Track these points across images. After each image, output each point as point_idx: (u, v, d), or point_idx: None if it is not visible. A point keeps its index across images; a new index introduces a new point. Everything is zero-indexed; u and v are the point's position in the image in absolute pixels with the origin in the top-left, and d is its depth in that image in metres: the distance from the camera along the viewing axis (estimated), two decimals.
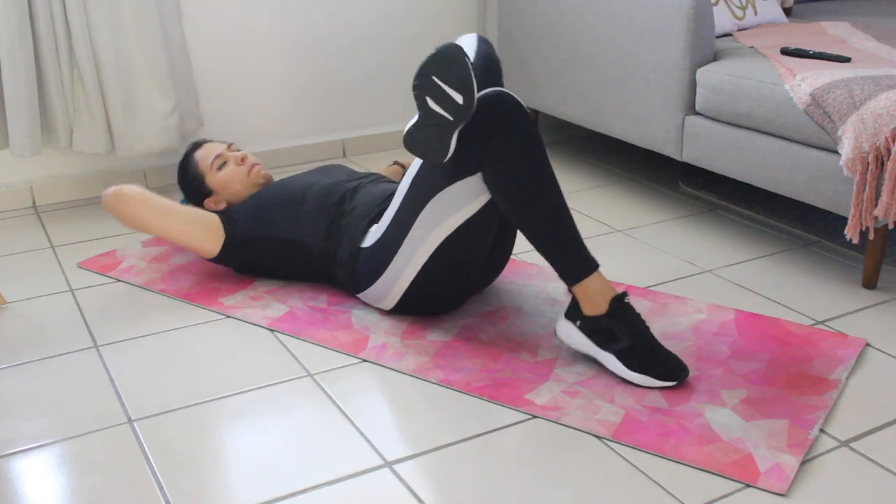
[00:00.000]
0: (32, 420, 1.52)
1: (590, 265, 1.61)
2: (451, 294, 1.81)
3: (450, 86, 1.53)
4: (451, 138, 1.56)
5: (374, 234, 1.79)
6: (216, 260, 1.99)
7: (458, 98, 1.53)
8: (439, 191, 1.65)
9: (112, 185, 1.95)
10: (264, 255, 1.97)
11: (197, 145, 2.15)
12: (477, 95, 1.59)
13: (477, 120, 1.60)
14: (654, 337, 1.61)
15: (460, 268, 1.75)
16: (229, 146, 2.14)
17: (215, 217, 1.98)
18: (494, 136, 1.59)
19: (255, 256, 1.98)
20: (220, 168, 2.08)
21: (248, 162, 2.10)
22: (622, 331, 1.59)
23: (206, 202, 2.09)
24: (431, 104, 1.55)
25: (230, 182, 2.07)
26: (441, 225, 1.67)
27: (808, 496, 1.31)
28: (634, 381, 1.58)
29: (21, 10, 2.25)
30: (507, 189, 1.60)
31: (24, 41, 2.27)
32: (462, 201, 1.64)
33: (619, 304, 1.60)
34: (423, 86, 1.55)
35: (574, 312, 1.64)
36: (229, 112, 2.81)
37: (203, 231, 1.95)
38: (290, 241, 1.92)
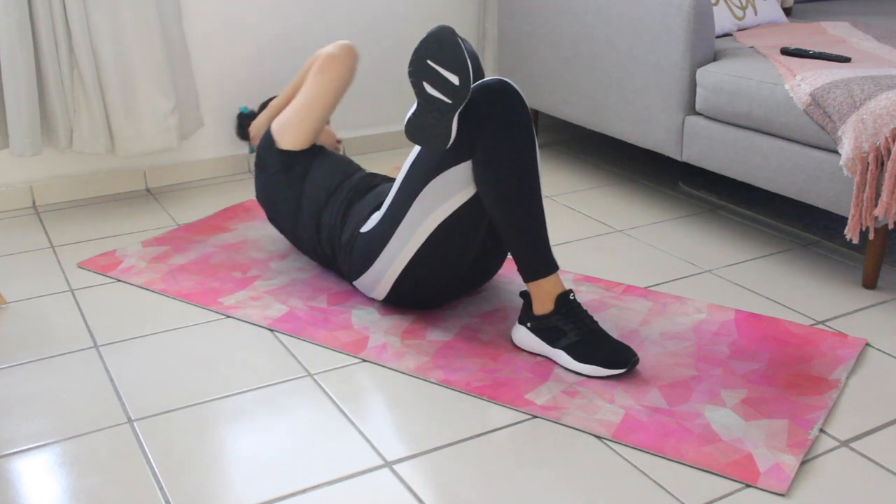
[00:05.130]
0: (32, 420, 1.51)
1: (551, 266, 1.66)
2: (442, 285, 1.81)
3: (445, 68, 1.55)
4: (451, 123, 1.58)
5: (374, 219, 1.81)
6: (282, 154, 2.02)
7: (455, 79, 1.55)
8: (435, 176, 1.66)
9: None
10: (288, 201, 2.01)
11: None
12: (475, 80, 1.61)
13: (474, 105, 1.61)
14: (601, 329, 1.66)
15: (452, 257, 1.75)
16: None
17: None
18: (488, 123, 1.61)
19: (286, 193, 2.02)
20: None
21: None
22: (568, 326, 1.64)
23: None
24: (429, 89, 1.57)
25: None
26: (436, 210, 1.68)
27: (808, 496, 1.31)
28: (584, 372, 1.61)
29: (21, 10, 2.25)
30: (491, 176, 1.62)
31: (24, 41, 2.27)
32: (457, 187, 1.66)
33: (565, 301, 1.65)
34: (418, 71, 1.57)
35: (525, 316, 1.70)
36: (229, 112, 2.80)
37: (316, 127, 2.04)
38: (311, 212, 1.95)
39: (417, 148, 1.72)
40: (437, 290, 1.82)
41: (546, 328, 1.66)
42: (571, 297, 1.66)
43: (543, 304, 1.66)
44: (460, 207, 1.67)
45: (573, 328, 1.63)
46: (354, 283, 1.89)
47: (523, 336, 1.70)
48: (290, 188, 2.00)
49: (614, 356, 1.60)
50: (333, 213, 1.90)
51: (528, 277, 1.67)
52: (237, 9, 2.72)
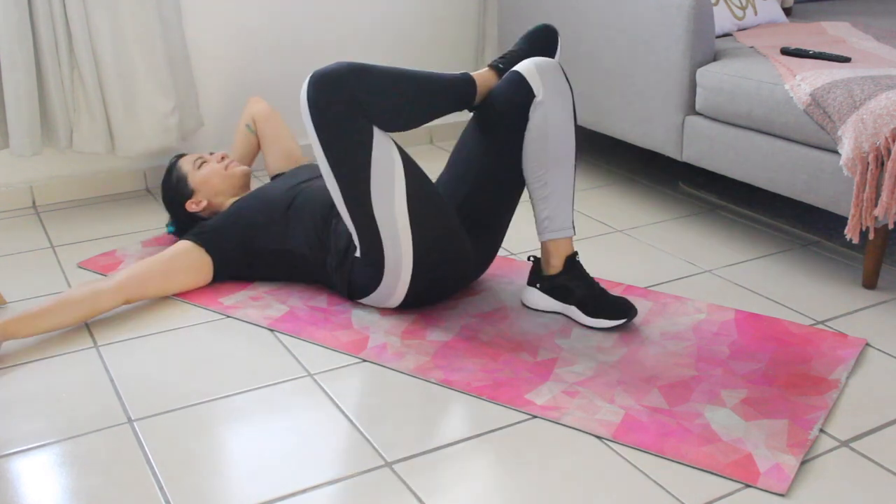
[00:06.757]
0: (32, 420, 1.52)
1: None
2: (452, 274, 1.82)
3: None
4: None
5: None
6: (212, 282, 1.99)
7: None
8: (369, 168, 1.67)
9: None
10: (252, 266, 1.98)
11: (179, 156, 2.23)
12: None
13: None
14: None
15: (447, 238, 1.76)
16: (210, 153, 2.22)
17: (191, 248, 1.93)
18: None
19: (244, 268, 1.98)
20: (200, 167, 2.15)
21: (225, 160, 2.18)
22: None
23: (188, 204, 2.13)
24: None
25: (210, 178, 2.13)
26: (394, 196, 1.69)
27: (808, 496, 1.31)
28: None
29: (21, 10, 2.25)
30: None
31: (24, 41, 2.27)
32: (389, 161, 1.68)
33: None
34: None
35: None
36: (229, 112, 2.80)
37: (186, 271, 1.93)
38: (279, 251, 1.93)
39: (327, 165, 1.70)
40: (449, 280, 1.84)
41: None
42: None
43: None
44: (408, 181, 1.69)
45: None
46: (363, 300, 1.88)
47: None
48: (259, 274, 1.99)
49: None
50: (304, 247, 1.89)
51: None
52: (237, 9, 2.73)
